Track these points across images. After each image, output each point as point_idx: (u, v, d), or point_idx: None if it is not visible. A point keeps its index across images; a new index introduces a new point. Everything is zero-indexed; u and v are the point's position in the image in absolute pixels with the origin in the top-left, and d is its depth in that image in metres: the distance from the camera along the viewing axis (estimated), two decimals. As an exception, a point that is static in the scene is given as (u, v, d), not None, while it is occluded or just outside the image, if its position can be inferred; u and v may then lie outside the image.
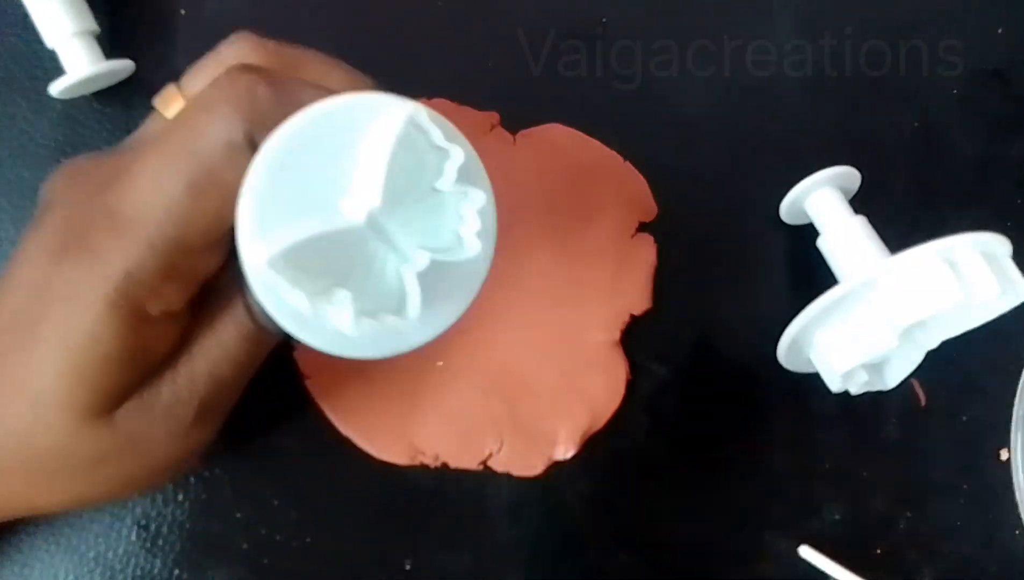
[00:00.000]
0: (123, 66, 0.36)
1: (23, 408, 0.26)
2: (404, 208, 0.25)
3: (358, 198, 0.25)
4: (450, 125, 0.26)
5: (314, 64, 0.29)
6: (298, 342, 0.27)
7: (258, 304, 0.27)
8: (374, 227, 0.25)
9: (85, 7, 0.36)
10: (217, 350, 0.28)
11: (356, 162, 0.25)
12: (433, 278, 0.26)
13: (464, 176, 0.26)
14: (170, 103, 0.29)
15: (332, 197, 0.25)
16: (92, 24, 0.36)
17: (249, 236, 0.25)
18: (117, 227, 0.25)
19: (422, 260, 0.25)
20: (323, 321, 0.25)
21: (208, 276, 0.28)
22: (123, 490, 0.30)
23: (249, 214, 0.25)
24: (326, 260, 0.25)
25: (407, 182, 0.25)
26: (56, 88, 0.35)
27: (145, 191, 0.25)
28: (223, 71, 0.26)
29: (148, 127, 0.30)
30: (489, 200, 0.26)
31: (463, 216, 0.26)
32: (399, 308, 0.26)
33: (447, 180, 0.25)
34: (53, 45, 0.35)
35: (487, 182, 0.27)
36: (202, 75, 0.28)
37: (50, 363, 0.26)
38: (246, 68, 0.26)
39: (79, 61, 0.35)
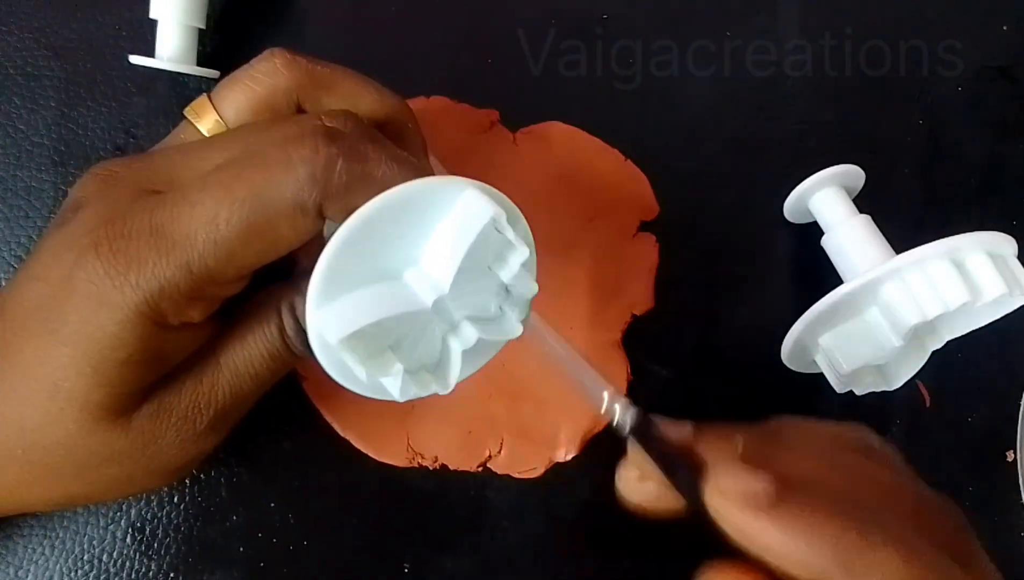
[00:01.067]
0: (205, 72, 0.36)
1: (39, 401, 0.26)
2: (460, 284, 0.26)
3: (427, 280, 0.26)
4: (514, 209, 0.27)
5: (346, 83, 0.29)
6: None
7: (292, 329, 0.28)
8: (439, 310, 0.26)
9: (203, 4, 0.36)
10: (244, 366, 0.28)
11: (426, 238, 0.26)
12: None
13: (531, 262, 0.27)
14: (202, 114, 0.29)
15: (398, 265, 0.26)
16: (200, 22, 0.36)
17: (317, 304, 0.25)
18: (161, 245, 0.25)
19: (470, 337, 0.27)
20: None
21: (228, 298, 0.28)
22: (121, 491, 0.30)
23: (320, 285, 0.25)
24: (383, 329, 0.26)
25: (469, 264, 0.26)
26: (136, 60, 0.35)
27: (199, 220, 0.25)
28: (308, 128, 0.26)
29: (177, 136, 0.30)
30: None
31: (514, 302, 0.28)
32: (438, 369, 0.28)
33: (510, 273, 0.27)
34: (156, 17, 0.35)
35: (535, 267, 0.29)
36: (235, 90, 0.29)
37: (70, 360, 0.26)
38: (330, 137, 0.26)
39: (168, 49, 0.35)
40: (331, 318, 0.25)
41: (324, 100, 0.29)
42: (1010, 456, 0.38)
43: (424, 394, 0.27)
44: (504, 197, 0.27)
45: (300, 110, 0.30)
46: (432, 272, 0.26)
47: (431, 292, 0.26)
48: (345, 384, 0.27)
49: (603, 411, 0.24)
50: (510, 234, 0.26)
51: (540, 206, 0.36)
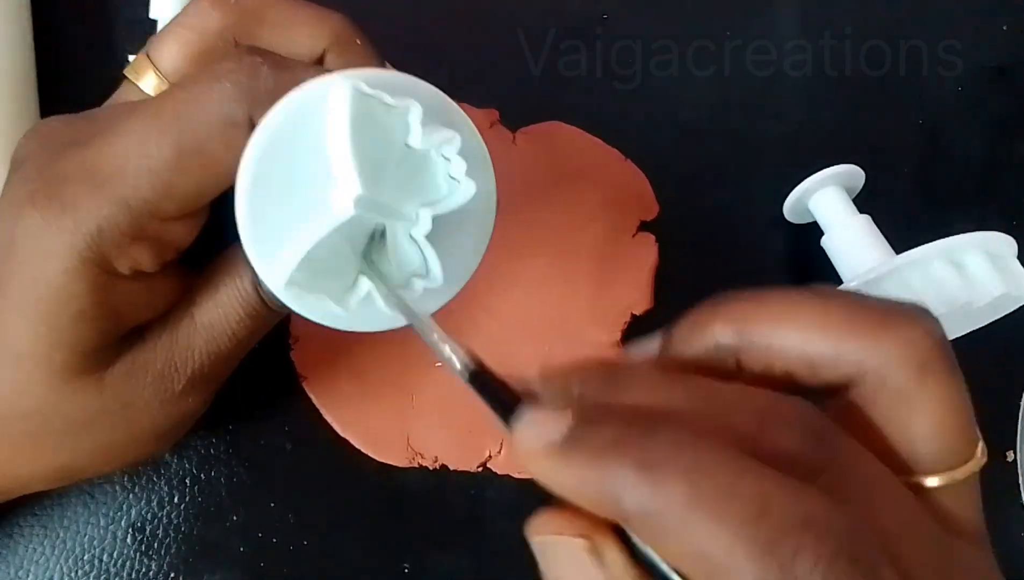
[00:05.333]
0: None
1: (5, 370, 0.26)
2: (390, 174, 0.25)
3: (340, 190, 0.24)
4: (401, 77, 0.26)
5: (279, 10, 0.28)
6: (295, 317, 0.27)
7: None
8: (368, 208, 0.25)
9: None
10: (219, 324, 0.28)
11: (328, 150, 0.25)
12: (446, 229, 0.26)
13: (435, 122, 0.25)
14: (141, 72, 0.29)
15: (322, 192, 0.25)
16: None
17: (258, 256, 0.25)
18: (94, 182, 0.25)
19: (425, 221, 0.25)
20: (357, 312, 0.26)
21: (181, 246, 0.28)
22: (109, 460, 0.29)
23: (251, 234, 0.25)
24: (340, 253, 0.25)
25: (381, 150, 0.25)
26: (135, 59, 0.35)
27: (129, 149, 0.25)
28: (232, 51, 0.26)
29: (119, 96, 0.29)
30: (470, 136, 0.26)
31: (449, 160, 0.26)
32: (425, 270, 0.26)
33: (414, 136, 0.25)
34: (156, 18, 0.35)
35: (463, 117, 0.27)
36: (168, 39, 0.28)
37: (25, 322, 0.25)
38: (252, 50, 0.25)
39: None
40: (271, 267, 0.24)
41: (260, 34, 0.28)
42: (1010, 456, 0.38)
43: (416, 293, 0.26)
44: (392, 73, 0.25)
45: None
46: (339, 177, 0.24)
47: (348, 196, 0.24)
48: (338, 326, 0.26)
49: (440, 362, 0.23)
50: (386, 99, 0.24)
51: (540, 206, 0.36)
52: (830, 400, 0.22)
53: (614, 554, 0.19)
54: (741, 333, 0.22)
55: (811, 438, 0.19)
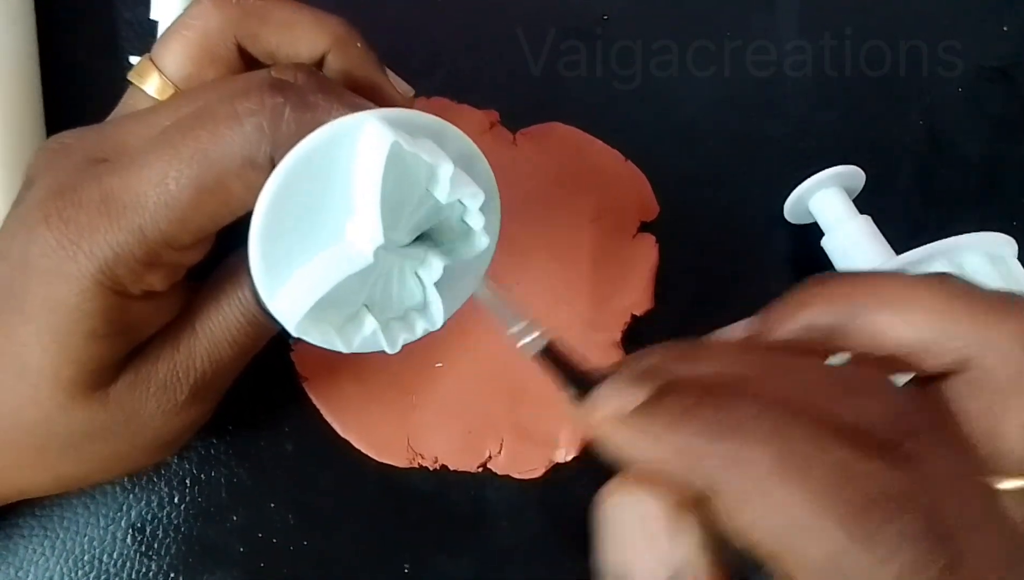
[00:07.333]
0: None
1: (11, 382, 0.26)
2: (407, 216, 0.26)
3: (360, 234, 0.25)
4: (427, 118, 0.26)
5: (280, 12, 0.29)
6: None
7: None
8: (384, 251, 0.25)
9: None
10: (220, 332, 0.28)
11: (351, 184, 0.25)
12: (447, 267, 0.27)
13: (460, 174, 0.25)
14: (145, 75, 0.29)
15: (337, 231, 0.25)
16: None
17: (269, 293, 0.25)
18: (111, 210, 0.25)
19: (436, 269, 0.26)
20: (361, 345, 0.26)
21: (191, 266, 0.28)
22: (111, 469, 0.29)
23: (263, 272, 0.25)
24: (348, 289, 0.25)
25: (403, 191, 0.25)
26: (136, 61, 0.35)
27: (148, 182, 0.25)
28: (255, 81, 0.26)
29: (126, 102, 0.29)
30: (490, 189, 0.27)
31: (467, 209, 0.26)
32: (424, 307, 0.27)
33: (441, 191, 0.25)
34: (156, 19, 0.36)
35: (485, 165, 0.27)
36: (170, 42, 0.28)
37: (35, 337, 0.25)
38: (277, 87, 0.25)
39: None
40: (284, 303, 0.25)
41: (262, 34, 0.28)
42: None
43: (416, 336, 0.27)
44: (420, 115, 0.25)
45: (254, 62, 0.29)
46: (362, 222, 0.25)
47: (369, 244, 0.24)
48: (338, 349, 0.27)
49: (509, 335, 0.23)
50: (424, 155, 0.24)
51: (540, 207, 0.36)
52: (919, 387, 0.21)
53: (692, 527, 0.19)
54: (846, 313, 0.21)
55: (892, 411, 0.19)
